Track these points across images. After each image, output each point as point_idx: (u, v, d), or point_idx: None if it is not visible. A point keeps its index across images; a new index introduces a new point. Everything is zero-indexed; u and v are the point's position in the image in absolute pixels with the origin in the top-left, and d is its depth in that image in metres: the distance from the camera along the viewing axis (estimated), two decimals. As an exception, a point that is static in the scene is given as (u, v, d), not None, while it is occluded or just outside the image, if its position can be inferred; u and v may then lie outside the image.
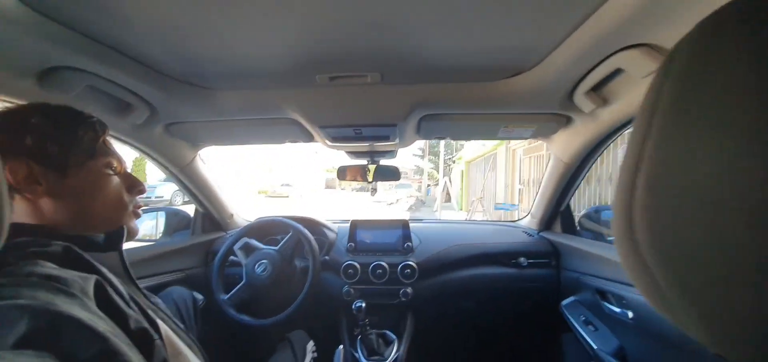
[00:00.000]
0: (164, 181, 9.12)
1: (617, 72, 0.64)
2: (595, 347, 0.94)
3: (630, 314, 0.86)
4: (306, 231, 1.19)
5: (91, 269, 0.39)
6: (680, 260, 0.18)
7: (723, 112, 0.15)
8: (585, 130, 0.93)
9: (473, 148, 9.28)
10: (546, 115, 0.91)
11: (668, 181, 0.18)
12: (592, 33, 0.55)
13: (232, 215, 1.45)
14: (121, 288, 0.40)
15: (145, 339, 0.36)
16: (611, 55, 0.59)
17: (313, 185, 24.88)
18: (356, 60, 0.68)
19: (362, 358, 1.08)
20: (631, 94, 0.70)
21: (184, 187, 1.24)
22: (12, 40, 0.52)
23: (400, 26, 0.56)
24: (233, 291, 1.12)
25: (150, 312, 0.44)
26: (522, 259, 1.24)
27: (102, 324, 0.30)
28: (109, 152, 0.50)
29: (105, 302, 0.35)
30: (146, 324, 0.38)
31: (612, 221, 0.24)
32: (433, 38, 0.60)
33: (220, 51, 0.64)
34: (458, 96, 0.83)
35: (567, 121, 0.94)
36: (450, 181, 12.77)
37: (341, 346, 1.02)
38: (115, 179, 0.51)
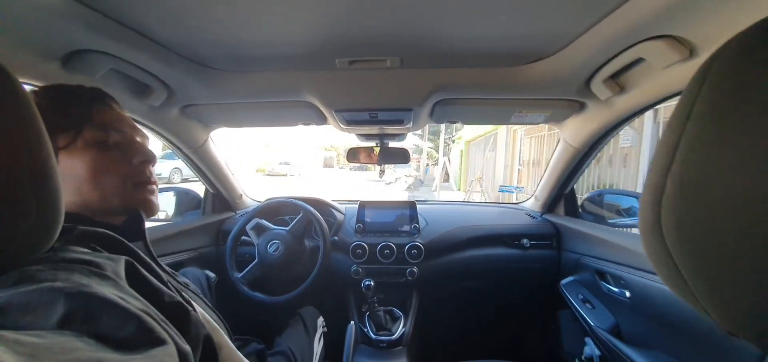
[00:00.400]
0: (162, 158, 9.01)
1: (638, 61, 0.64)
2: (591, 323, 0.99)
3: (627, 294, 0.90)
4: (316, 212, 1.21)
5: (126, 251, 0.40)
6: (709, 257, 0.19)
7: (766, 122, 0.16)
8: (597, 117, 0.93)
9: (474, 128, 9.18)
10: (561, 101, 0.91)
11: (701, 183, 0.18)
12: (621, 22, 0.55)
13: (241, 195, 1.48)
14: (154, 266, 0.41)
15: (179, 312, 0.37)
16: (635, 44, 0.59)
17: (311, 163, 24.79)
18: (378, 44, 0.67)
19: (371, 333, 1.14)
20: (649, 84, 0.71)
21: (196, 168, 1.25)
22: (42, 22, 0.52)
23: (425, 10, 0.55)
24: (246, 270, 1.16)
25: (183, 293, 0.45)
26: (525, 241, 1.28)
27: (136, 303, 0.30)
28: (102, 124, 0.45)
29: (137, 281, 0.35)
30: (179, 298, 0.38)
31: (639, 215, 0.25)
32: (458, 23, 0.59)
33: (241, 34, 0.63)
34: (477, 81, 0.82)
35: (581, 106, 0.93)
36: (449, 161, 12.77)
37: (353, 322, 1.07)
38: (113, 154, 0.46)
